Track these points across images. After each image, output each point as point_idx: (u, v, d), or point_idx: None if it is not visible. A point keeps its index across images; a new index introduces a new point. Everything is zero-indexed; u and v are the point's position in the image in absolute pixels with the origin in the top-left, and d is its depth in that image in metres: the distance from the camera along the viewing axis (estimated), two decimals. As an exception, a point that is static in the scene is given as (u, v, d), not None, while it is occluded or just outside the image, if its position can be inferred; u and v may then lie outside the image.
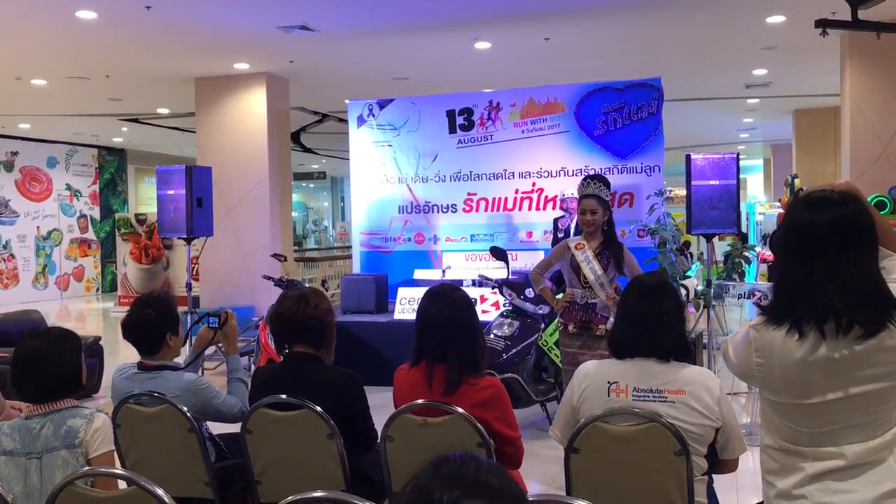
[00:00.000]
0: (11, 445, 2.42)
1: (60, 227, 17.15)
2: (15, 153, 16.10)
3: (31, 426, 2.43)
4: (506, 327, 5.72)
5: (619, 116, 8.31)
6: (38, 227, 16.60)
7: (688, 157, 6.09)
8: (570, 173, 8.47)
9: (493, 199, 8.83)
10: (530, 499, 1.88)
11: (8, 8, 7.16)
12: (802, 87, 11.47)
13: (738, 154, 6.14)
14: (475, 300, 7.30)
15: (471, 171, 8.89)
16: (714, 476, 2.72)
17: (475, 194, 8.90)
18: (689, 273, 8.24)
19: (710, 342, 6.42)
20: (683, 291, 7.19)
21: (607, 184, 4.73)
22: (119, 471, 2.14)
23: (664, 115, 8.27)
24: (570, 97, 8.54)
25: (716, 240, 6.96)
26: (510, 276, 6.24)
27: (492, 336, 5.65)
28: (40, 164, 16.71)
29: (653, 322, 2.59)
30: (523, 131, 8.70)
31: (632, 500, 2.50)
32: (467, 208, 8.91)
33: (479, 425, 2.65)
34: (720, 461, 2.66)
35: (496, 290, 6.22)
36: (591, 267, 4.58)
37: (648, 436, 2.46)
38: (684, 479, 2.45)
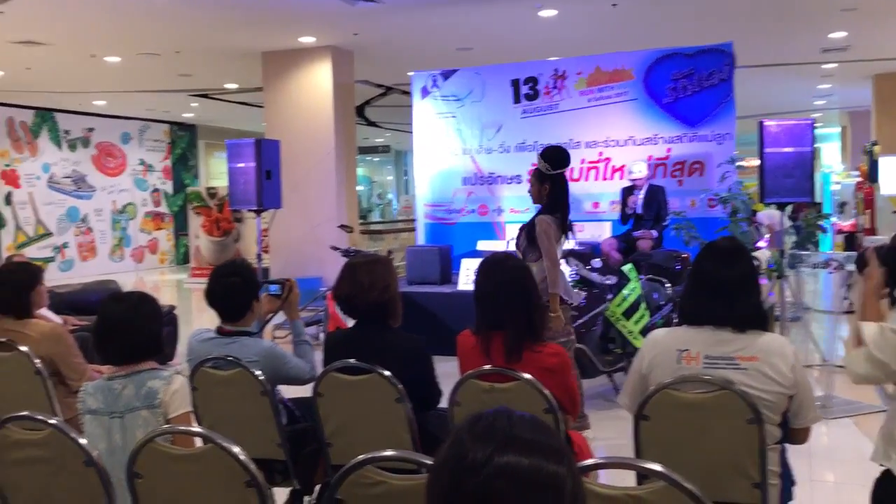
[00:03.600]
0: (95, 405, 2.51)
1: (135, 201, 17.68)
2: (91, 129, 16.61)
3: (113, 387, 2.52)
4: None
5: (689, 83, 8.11)
6: (113, 201, 17.14)
7: (761, 124, 5.91)
8: (638, 142, 8.33)
9: (559, 169, 8.73)
10: (598, 461, 1.88)
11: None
12: (883, 50, 10.99)
13: (814, 121, 5.94)
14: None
15: (535, 141, 8.80)
16: (787, 446, 2.66)
17: (540, 165, 8.81)
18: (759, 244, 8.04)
19: (783, 313, 6.26)
20: (756, 263, 7.03)
21: (546, 156, 4.72)
22: (196, 429, 2.21)
23: (735, 83, 8.04)
24: (637, 64, 8.36)
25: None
26: (576, 247, 6.18)
27: (557, 306, 5.61)
28: (115, 140, 17.21)
29: (731, 288, 2.51)
30: (590, 100, 8.57)
31: (702, 467, 2.47)
32: (532, 179, 8.82)
33: (545, 391, 2.65)
34: (792, 430, 2.60)
35: (562, 260, 6.17)
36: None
37: (720, 403, 2.42)
38: (757, 447, 2.41)
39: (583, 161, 8.63)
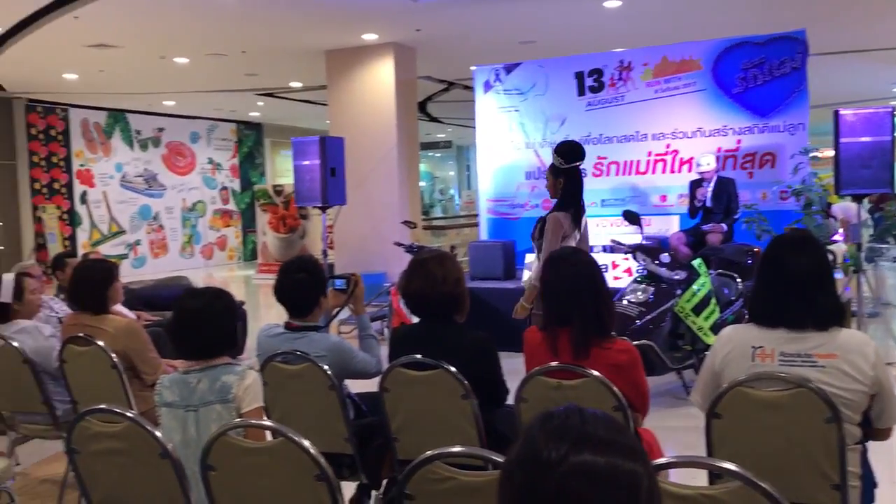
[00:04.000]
0: (171, 398, 2.57)
1: (204, 198, 18.10)
2: (161, 129, 17.07)
3: (188, 380, 2.56)
4: (639, 293, 5.59)
5: (760, 73, 7.87)
6: (183, 199, 17.58)
7: (836, 113, 5.72)
8: (707, 133, 8.14)
9: (625, 162, 8.61)
10: (670, 460, 1.84)
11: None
12: (967, 33, 10.52)
13: (893, 109, 5.71)
14: (606, 266, 7.20)
15: (601, 134, 8.69)
16: (869, 446, 2.56)
17: (605, 158, 8.70)
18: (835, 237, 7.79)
19: (860, 309, 6.05)
20: (830, 257, 6.81)
21: (560, 150, 4.84)
22: (268, 423, 2.24)
23: (808, 71, 7.78)
24: (706, 54, 8.17)
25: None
26: (644, 241, 6.08)
27: (625, 302, 5.54)
28: (184, 140, 17.65)
29: (806, 284, 2.40)
30: (656, 91, 8.40)
31: (778, 467, 2.39)
32: (597, 172, 8.72)
33: (615, 389, 2.61)
34: (873, 430, 2.50)
35: (629, 255, 6.08)
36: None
37: (796, 402, 2.34)
38: (835, 447, 2.32)
39: (649, 154, 8.48)
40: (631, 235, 6.73)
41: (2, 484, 3.18)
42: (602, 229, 8.50)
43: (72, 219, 15.21)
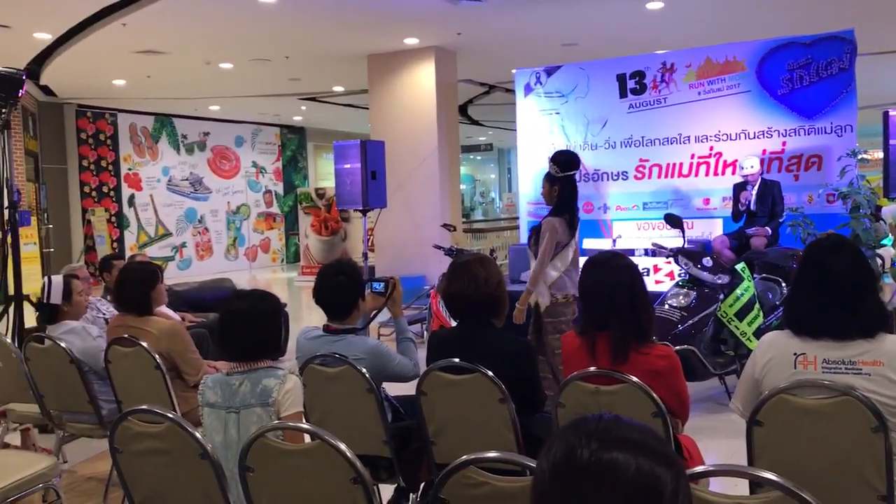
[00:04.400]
0: (214, 398, 2.59)
1: (248, 202, 18.34)
2: (207, 133, 17.34)
3: (231, 382, 2.59)
4: (681, 297, 5.52)
5: (806, 73, 7.73)
6: (228, 202, 17.84)
7: (885, 114, 5.59)
8: (752, 136, 8.01)
9: (667, 164, 8.52)
10: (709, 468, 1.81)
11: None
12: None
13: (945, 108, 5.57)
14: (648, 270, 7.13)
15: (643, 137, 8.61)
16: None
17: (647, 160, 8.62)
18: (884, 241, 7.60)
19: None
20: (879, 261, 6.66)
21: (556, 159, 5.02)
22: (305, 426, 2.26)
23: (856, 71, 7.61)
24: (750, 55, 8.04)
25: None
26: (686, 245, 6.01)
27: (666, 306, 5.48)
28: (229, 144, 17.91)
29: (848, 291, 2.35)
30: (700, 93, 8.30)
31: (821, 477, 2.34)
32: (639, 175, 8.64)
33: (654, 395, 2.58)
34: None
35: (671, 259, 6.01)
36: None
37: (840, 410, 2.29)
38: (882, 456, 2.27)
39: (692, 156, 8.38)
40: (672, 239, 6.65)
41: (49, 481, 3.26)
42: (644, 232, 8.42)
43: (120, 221, 15.52)
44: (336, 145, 7.77)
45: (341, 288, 3.21)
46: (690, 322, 5.34)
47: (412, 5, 8.41)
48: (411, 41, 10.10)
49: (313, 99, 15.02)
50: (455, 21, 9.06)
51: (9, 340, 4.23)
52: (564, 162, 4.99)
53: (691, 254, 5.67)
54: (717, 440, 4.57)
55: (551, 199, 5.01)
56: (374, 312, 3.41)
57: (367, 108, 11.37)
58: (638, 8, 8.60)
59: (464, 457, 1.85)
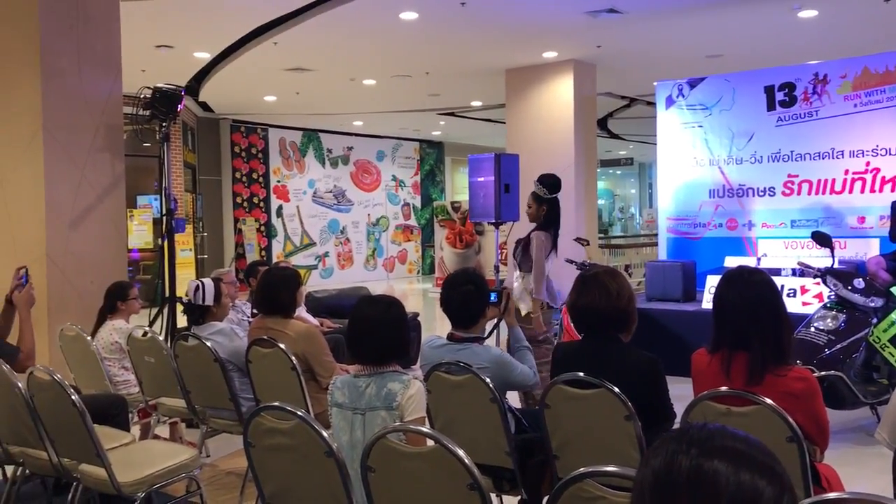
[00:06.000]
0: (342, 399, 2.68)
1: (387, 214, 18.84)
2: (350, 148, 17.97)
3: (358, 384, 2.66)
4: (829, 320, 5.20)
5: (977, 82, 7.13)
6: (368, 214, 18.39)
7: None
8: (914, 150, 7.46)
9: (818, 180, 8.06)
10: (843, 496, 1.69)
11: (341, 15, 7.97)
12: None
13: None
14: (794, 290, 6.75)
15: (791, 151, 8.19)
16: None
17: (797, 176, 8.18)
18: None
19: None
20: None
21: (543, 182, 5.64)
22: (425, 429, 2.29)
23: None
24: (913, 64, 7.51)
25: None
26: (835, 265, 5.65)
27: (812, 329, 5.17)
28: (370, 158, 18.48)
29: None
30: (856, 105, 7.81)
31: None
32: (787, 191, 8.22)
33: (790, 419, 2.44)
34: None
35: (819, 279, 5.67)
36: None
37: None
38: None
39: (846, 172, 7.89)
40: (821, 259, 6.28)
41: (191, 472, 3.46)
42: (791, 251, 8.00)
43: (268, 231, 16.31)
44: (470, 158, 7.83)
45: (471, 297, 3.25)
46: (839, 346, 5.02)
47: (551, 19, 8.40)
48: (550, 55, 10.09)
49: (452, 114, 15.26)
50: (595, 34, 8.98)
51: (161, 339, 4.52)
52: (551, 185, 5.63)
53: (841, 274, 5.33)
54: (864, 472, 4.25)
55: (538, 217, 5.61)
56: (495, 322, 3.43)
57: (504, 123, 11.43)
58: (789, 17, 8.22)
59: (581, 469, 1.82)
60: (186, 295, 4.34)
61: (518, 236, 5.99)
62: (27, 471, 3.69)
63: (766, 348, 2.59)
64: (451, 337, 3.28)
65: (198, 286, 4.32)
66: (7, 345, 3.94)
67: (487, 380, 3.01)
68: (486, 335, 3.36)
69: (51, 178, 5.38)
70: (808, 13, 8.10)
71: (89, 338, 4.71)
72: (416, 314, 7.76)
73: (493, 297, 3.41)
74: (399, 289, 16.52)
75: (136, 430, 4.65)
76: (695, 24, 8.56)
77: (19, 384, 3.29)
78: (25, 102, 5.40)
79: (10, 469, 3.83)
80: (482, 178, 7.45)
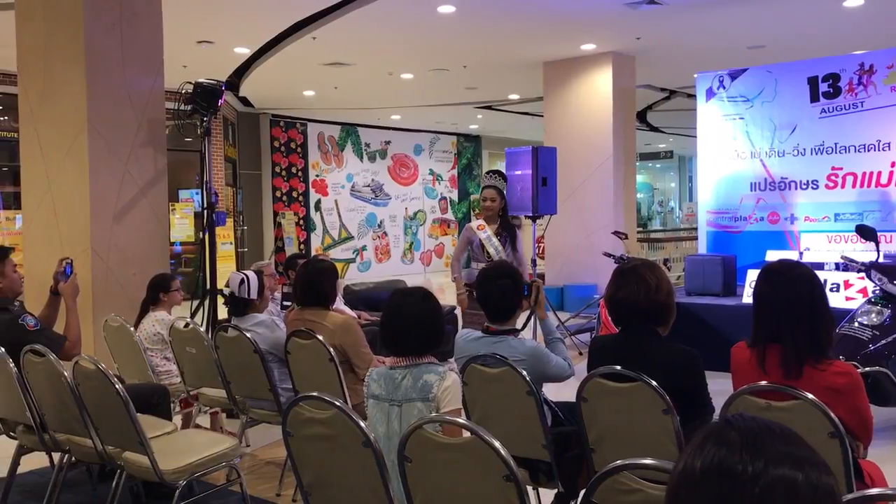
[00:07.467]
0: (378, 391, 2.70)
1: (424, 208, 18.89)
2: (388, 142, 18.04)
3: (394, 376, 2.69)
4: (874, 315, 5.10)
5: None
6: (405, 208, 18.45)
7: None
8: (963, 142, 7.27)
9: (864, 173, 7.89)
10: (889, 491, 1.67)
11: (379, 10, 8.00)
12: None
13: None
14: (838, 285, 6.63)
15: (836, 143, 8.04)
16: None
17: (841, 168, 8.03)
18: None
19: None
20: None
21: (504, 177, 6.33)
22: (461, 420, 2.30)
23: None
24: (964, 53, 7.31)
25: None
26: (880, 259, 5.54)
27: (856, 324, 5.08)
28: (408, 152, 18.53)
29: None
30: (902, 96, 7.64)
31: None
32: (831, 184, 8.07)
33: (832, 414, 2.40)
34: None
35: (863, 274, 5.56)
36: (492, 243, 6.12)
37: None
38: None
39: (893, 164, 7.71)
40: (866, 253, 6.16)
41: (231, 461, 3.51)
42: (835, 245, 7.85)
43: (307, 224, 16.45)
44: (508, 151, 7.83)
45: (507, 290, 3.26)
46: (884, 342, 4.92)
47: (590, 11, 8.33)
48: (588, 47, 10.01)
49: (489, 107, 15.23)
50: (634, 25, 8.89)
51: (202, 330, 4.59)
52: (505, 178, 6.24)
53: (886, 269, 5.22)
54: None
55: (496, 212, 6.16)
56: (528, 314, 3.43)
57: (542, 116, 11.39)
58: (835, 6, 8.06)
59: (618, 461, 1.82)
60: (227, 286, 4.40)
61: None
62: (73, 458, 3.78)
63: (800, 342, 2.55)
64: (486, 330, 3.28)
65: (242, 279, 4.38)
66: (53, 334, 4.04)
67: (524, 372, 3.01)
68: (521, 328, 3.36)
69: (95, 172, 5.49)
70: (854, 2, 7.93)
71: (132, 329, 4.81)
72: (453, 307, 7.77)
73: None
74: (436, 282, 16.55)
75: (177, 419, 4.73)
76: (736, 15, 8.43)
77: (65, 373, 3.37)
78: (71, 99, 5.52)
79: (56, 456, 3.93)
80: (519, 172, 7.45)
